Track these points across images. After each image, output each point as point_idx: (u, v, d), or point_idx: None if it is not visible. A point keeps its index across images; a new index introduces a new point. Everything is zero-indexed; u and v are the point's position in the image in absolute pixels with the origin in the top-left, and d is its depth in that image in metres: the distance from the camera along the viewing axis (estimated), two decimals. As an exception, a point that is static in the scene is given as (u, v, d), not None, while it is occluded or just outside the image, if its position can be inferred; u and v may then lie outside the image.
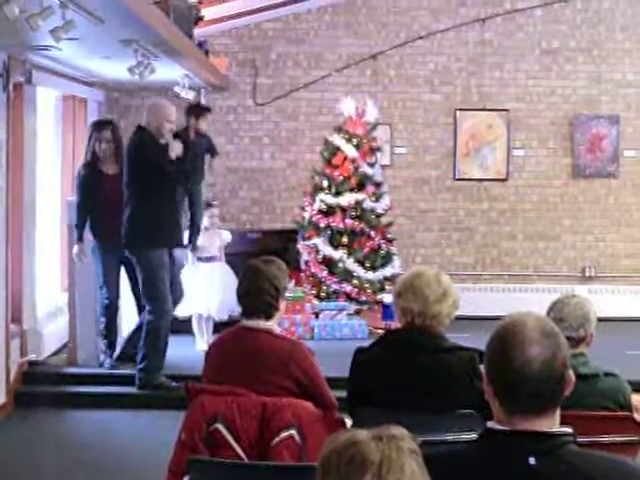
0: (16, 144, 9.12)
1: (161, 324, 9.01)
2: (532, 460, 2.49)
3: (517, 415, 2.55)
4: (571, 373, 2.60)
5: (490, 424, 2.61)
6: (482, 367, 4.03)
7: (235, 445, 4.08)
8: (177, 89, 11.05)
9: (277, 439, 4.09)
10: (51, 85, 10.37)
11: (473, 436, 3.23)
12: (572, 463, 2.51)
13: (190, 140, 9.70)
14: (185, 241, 9.79)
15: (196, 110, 10.65)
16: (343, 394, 4.53)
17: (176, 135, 9.17)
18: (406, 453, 2.13)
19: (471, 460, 2.61)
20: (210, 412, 4.11)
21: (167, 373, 9.15)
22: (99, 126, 9.75)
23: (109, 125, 9.76)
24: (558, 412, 2.60)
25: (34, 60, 9.18)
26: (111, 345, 9.64)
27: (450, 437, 4.16)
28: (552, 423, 2.57)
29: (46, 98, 10.71)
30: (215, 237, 10.67)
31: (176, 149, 8.85)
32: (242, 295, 4.62)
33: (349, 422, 4.38)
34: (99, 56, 9.02)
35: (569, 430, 2.57)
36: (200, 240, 10.45)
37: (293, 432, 4.11)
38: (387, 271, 11.84)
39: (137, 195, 8.89)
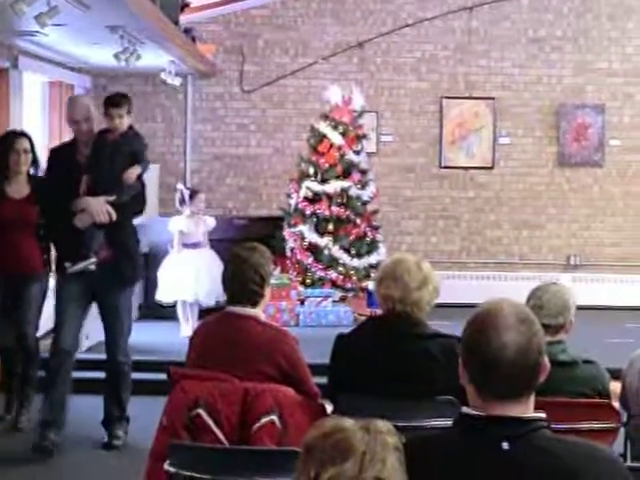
0: (1, 130, 9.11)
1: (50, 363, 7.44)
2: (505, 445, 2.52)
3: (491, 400, 2.58)
4: (546, 360, 2.63)
5: (465, 409, 2.64)
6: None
7: (216, 430, 4.10)
8: (163, 75, 11.05)
9: (258, 424, 4.12)
10: (37, 71, 10.35)
11: (450, 422, 3.27)
12: (545, 448, 2.54)
13: (105, 143, 7.15)
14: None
15: (104, 105, 7.31)
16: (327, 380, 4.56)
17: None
18: (390, 448, 2.17)
19: (446, 445, 2.64)
20: (192, 397, 4.14)
21: (152, 360, 9.14)
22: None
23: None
24: (532, 398, 2.62)
25: (20, 45, 9.17)
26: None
27: (430, 423, 4.20)
28: (526, 409, 2.60)
29: (32, 84, 10.69)
30: (200, 223, 10.69)
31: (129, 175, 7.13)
32: (227, 283, 4.64)
33: (330, 408, 4.41)
34: (85, 42, 9.02)
35: (542, 415, 2.60)
36: (185, 226, 10.47)
37: (274, 417, 4.14)
38: (372, 258, 11.87)
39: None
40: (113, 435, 7.44)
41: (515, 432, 2.54)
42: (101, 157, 7.06)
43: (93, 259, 7.03)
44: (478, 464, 2.54)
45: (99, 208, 6.89)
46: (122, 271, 7.20)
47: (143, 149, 7.38)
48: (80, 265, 7.01)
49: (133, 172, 7.11)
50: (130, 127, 7.29)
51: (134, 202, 7.18)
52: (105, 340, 7.51)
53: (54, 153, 7.51)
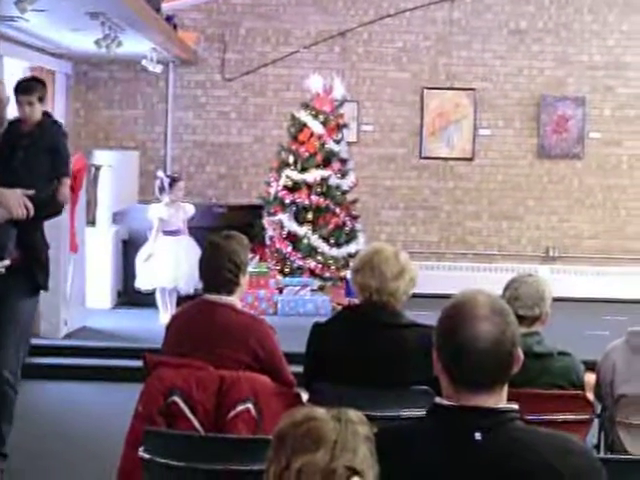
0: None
1: None
2: (478, 435, 2.53)
3: (464, 391, 2.59)
4: (520, 351, 2.64)
5: (438, 399, 2.65)
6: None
7: (192, 417, 4.11)
8: (145, 63, 11.03)
9: (233, 412, 4.12)
10: (18, 56, 10.31)
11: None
12: (517, 439, 2.56)
13: (18, 133, 6.27)
14: None
15: (14, 91, 6.41)
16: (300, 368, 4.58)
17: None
18: (361, 438, 2.18)
19: (418, 435, 2.65)
20: (167, 384, 4.14)
21: (131, 347, 9.13)
22: None
23: None
24: (505, 389, 2.64)
25: (0, 30, 9.13)
26: None
27: (405, 413, 4.22)
28: (499, 400, 2.61)
29: (13, 69, 10.64)
30: (180, 211, 10.67)
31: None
32: (203, 270, 4.64)
33: (305, 396, 4.43)
34: (66, 28, 8.99)
35: (515, 406, 2.62)
36: (165, 213, 10.46)
37: (249, 405, 4.15)
38: (351, 248, 11.87)
39: None
40: None
41: (487, 423, 2.55)
42: (15, 149, 6.14)
43: (7, 261, 6.07)
44: (450, 454, 2.55)
45: (17, 201, 5.83)
46: (33, 276, 6.22)
47: (63, 142, 6.46)
48: None
49: (64, 189, 6.35)
50: (46, 114, 6.41)
51: (52, 200, 6.26)
52: None
53: None
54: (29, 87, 6.30)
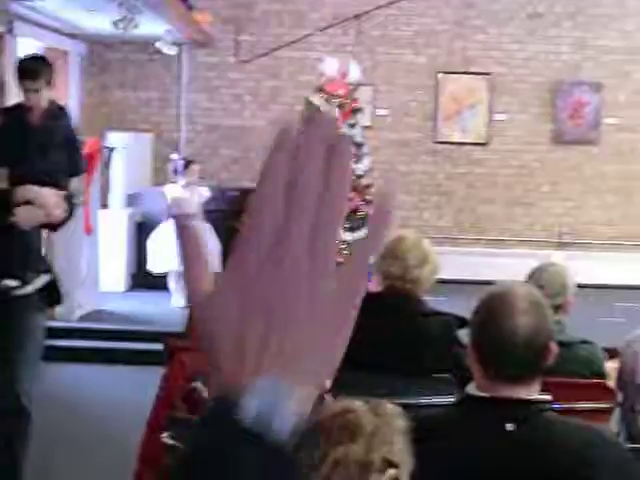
0: (-3, 96, 9.05)
1: None
2: (510, 426, 2.53)
3: (499, 382, 2.58)
4: (554, 343, 2.64)
5: (470, 390, 2.64)
6: (461, 333, 4.09)
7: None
8: (159, 44, 11.00)
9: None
10: (33, 36, 10.28)
11: (450, 400, 3.27)
12: (549, 430, 2.55)
13: (28, 127, 5.49)
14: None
15: (17, 74, 5.57)
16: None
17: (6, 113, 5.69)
18: (398, 431, 2.18)
19: (450, 425, 2.65)
20: (190, 370, 4.13)
21: (144, 329, 9.14)
22: None
23: None
24: (538, 380, 2.63)
25: (16, 11, 9.10)
26: None
27: (426, 400, 4.20)
28: (532, 391, 2.60)
29: (27, 50, 10.61)
30: (194, 194, 10.65)
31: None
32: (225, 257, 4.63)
33: (328, 382, 4.41)
34: (82, 8, 8.96)
35: (547, 397, 2.61)
36: (180, 194, 10.44)
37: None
38: (365, 232, 11.83)
39: None
40: None
41: (520, 414, 2.55)
42: (27, 146, 5.37)
43: (45, 276, 5.34)
44: (482, 445, 2.54)
45: (56, 201, 5.12)
46: (57, 290, 5.48)
47: (76, 132, 5.86)
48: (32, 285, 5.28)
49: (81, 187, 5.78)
50: (52, 102, 5.62)
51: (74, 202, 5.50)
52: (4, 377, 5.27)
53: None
54: (35, 71, 5.45)
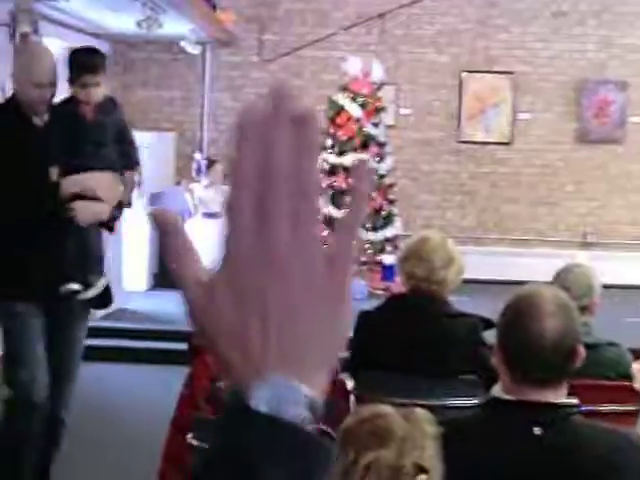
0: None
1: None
2: (537, 430, 2.52)
3: (526, 385, 2.57)
4: (581, 346, 2.62)
5: (497, 393, 2.63)
6: (486, 334, 4.06)
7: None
8: (183, 44, 11.01)
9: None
10: (57, 36, 10.31)
11: (475, 401, 3.25)
12: (576, 434, 2.54)
13: (83, 122, 5.20)
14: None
15: (76, 70, 5.28)
16: (344, 354, 4.55)
17: (58, 109, 5.20)
18: (429, 436, 2.17)
19: (477, 429, 2.63)
20: (214, 370, 4.12)
21: (167, 329, 9.14)
22: None
23: None
24: (566, 384, 2.62)
25: (41, 10, 9.14)
26: None
27: (451, 402, 4.19)
28: (560, 394, 2.59)
29: (52, 49, 10.64)
30: (218, 193, 10.67)
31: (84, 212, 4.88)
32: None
33: (350, 383, 4.40)
34: (107, 8, 8.98)
35: (574, 401, 2.60)
36: (203, 193, 10.46)
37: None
38: (388, 232, 11.83)
39: None
40: None
41: (547, 417, 2.54)
42: (80, 142, 5.07)
43: (105, 278, 5.15)
44: (509, 449, 2.53)
45: (112, 187, 4.86)
46: (109, 292, 5.29)
47: (128, 124, 5.61)
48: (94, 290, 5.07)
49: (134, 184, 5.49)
50: (105, 95, 5.34)
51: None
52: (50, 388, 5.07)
53: None
54: (95, 65, 5.22)
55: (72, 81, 5.26)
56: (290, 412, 0.78)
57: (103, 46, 12.21)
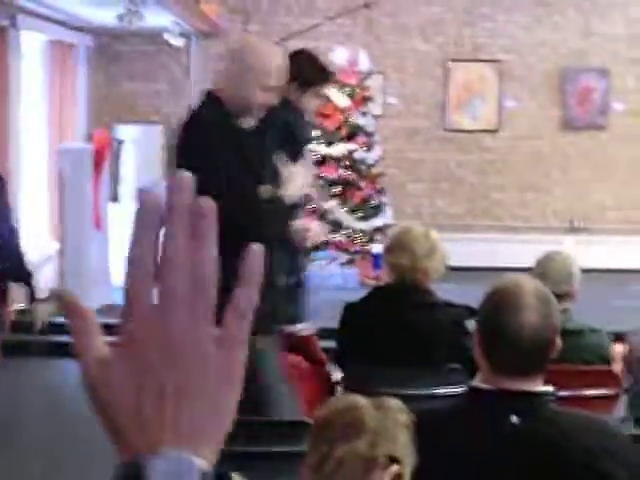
0: (0, 89, 8.99)
1: None
2: (514, 419, 2.54)
3: (503, 376, 2.59)
4: (558, 338, 2.65)
5: (475, 383, 2.65)
6: (470, 323, 4.09)
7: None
8: (166, 36, 10.98)
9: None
10: (37, 29, 10.21)
11: (459, 390, 3.28)
12: (553, 421, 2.56)
13: (299, 130, 5.08)
14: None
15: (318, 80, 5.31)
16: (334, 344, 4.58)
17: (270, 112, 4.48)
18: (401, 426, 2.18)
19: (455, 418, 2.66)
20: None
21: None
22: None
23: None
24: (542, 374, 2.64)
25: (19, 3, 9.04)
26: None
27: (437, 391, 4.22)
28: (536, 384, 2.61)
29: (32, 43, 10.53)
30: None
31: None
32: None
33: (337, 375, 4.43)
34: (87, 2, 8.93)
35: (550, 389, 2.62)
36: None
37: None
38: (378, 221, 11.85)
39: None
40: None
41: (524, 406, 2.56)
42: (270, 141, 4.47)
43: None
44: (486, 437, 2.56)
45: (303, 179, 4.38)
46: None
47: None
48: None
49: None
50: None
51: None
52: None
53: (208, 125, 4.30)
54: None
55: (309, 91, 5.18)
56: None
57: (86, 39, 12.18)
